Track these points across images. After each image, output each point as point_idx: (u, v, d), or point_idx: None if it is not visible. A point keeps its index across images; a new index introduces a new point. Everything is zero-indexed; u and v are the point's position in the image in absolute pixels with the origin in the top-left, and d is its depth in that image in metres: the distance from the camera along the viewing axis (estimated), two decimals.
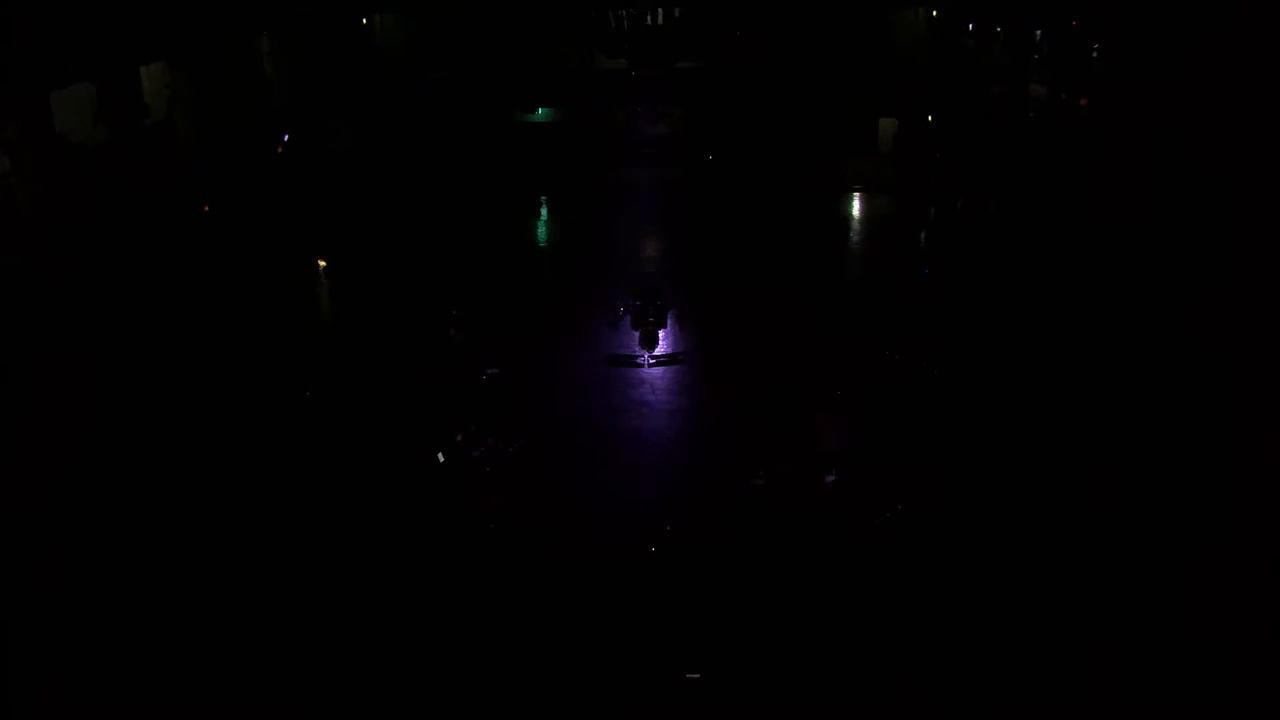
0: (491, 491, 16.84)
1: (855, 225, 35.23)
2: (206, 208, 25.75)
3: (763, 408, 20.14)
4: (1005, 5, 31.51)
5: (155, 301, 24.05)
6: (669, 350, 22.96)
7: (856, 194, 37.20)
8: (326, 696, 12.77)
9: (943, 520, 16.04)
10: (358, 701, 12.71)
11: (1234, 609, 13.82)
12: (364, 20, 41.46)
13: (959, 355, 22.04)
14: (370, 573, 15.13)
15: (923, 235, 32.61)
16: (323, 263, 28.99)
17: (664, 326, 23.17)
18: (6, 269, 22.09)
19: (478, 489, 16.90)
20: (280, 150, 34.12)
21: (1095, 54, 25.52)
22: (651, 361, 22.44)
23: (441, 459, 17.22)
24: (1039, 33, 31.49)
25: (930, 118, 39.59)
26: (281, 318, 25.45)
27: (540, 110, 42.21)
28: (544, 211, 36.17)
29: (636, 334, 22.75)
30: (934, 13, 39.85)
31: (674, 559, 15.33)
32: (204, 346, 23.06)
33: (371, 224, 33.00)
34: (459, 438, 17.15)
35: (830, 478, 17.07)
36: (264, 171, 33.52)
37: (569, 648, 13.56)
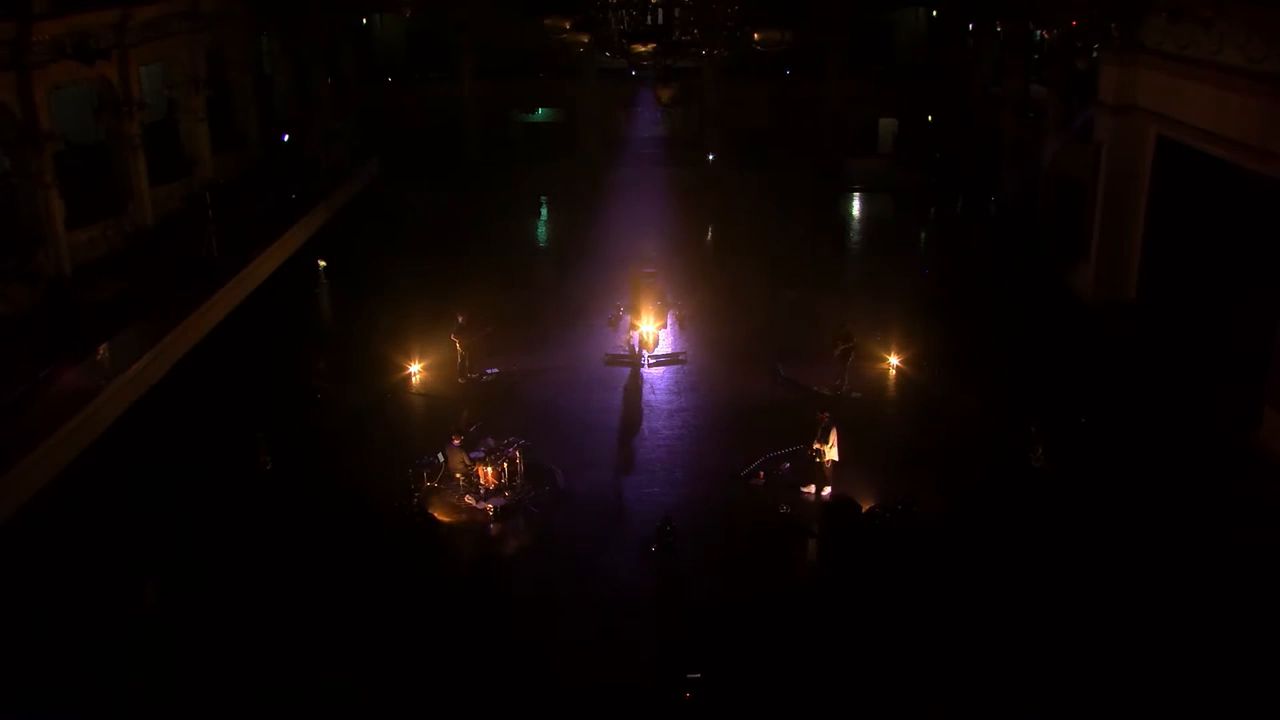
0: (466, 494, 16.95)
1: (855, 224, 35.29)
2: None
3: (764, 406, 20.18)
4: (1005, 5, 31.44)
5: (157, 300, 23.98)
6: (669, 350, 22.94)
7: (856, 193, 37.25)
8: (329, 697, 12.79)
9: (939, 521, 16.05)
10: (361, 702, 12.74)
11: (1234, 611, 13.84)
12: (364, 20, 41.42)
13: (958, 355, 22.07)
14: (368, 573, 15.17)
15: (923, 235, 32.63)
16: (322, 263, 28.98)
17: (664, 326, 23.15)
18: (6, 271, 22.09)
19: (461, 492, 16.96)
20: (278, 149, 34.08)
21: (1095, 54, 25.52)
22: (651, 361, 22.42)
23: (441, 459, 17.21)
24: (1039, 33, 31.41)
25: (930, 118, 39.59)
26: (284, 316, 25.51)
27: (540, 110, 42.18)
28: (544, 211, 36.17)
29: (635, 334, 22.72)
30: (934, 13, 39.83)
31: (673, 557, 15.33)
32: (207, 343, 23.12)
33: (372, 224, 33.03)
34: (456, 441, 17.11)
35: (807, 489, 17.08)
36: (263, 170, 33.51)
37: (569, 645, 13.57)
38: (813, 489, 16.96)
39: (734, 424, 19.64)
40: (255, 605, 14.32)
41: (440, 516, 16.65)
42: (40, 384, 19.01)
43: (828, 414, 17.10)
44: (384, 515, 16.29)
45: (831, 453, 16.85)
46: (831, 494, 16.79)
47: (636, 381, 21.75)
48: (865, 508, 16.04)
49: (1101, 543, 15.36)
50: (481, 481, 16.97)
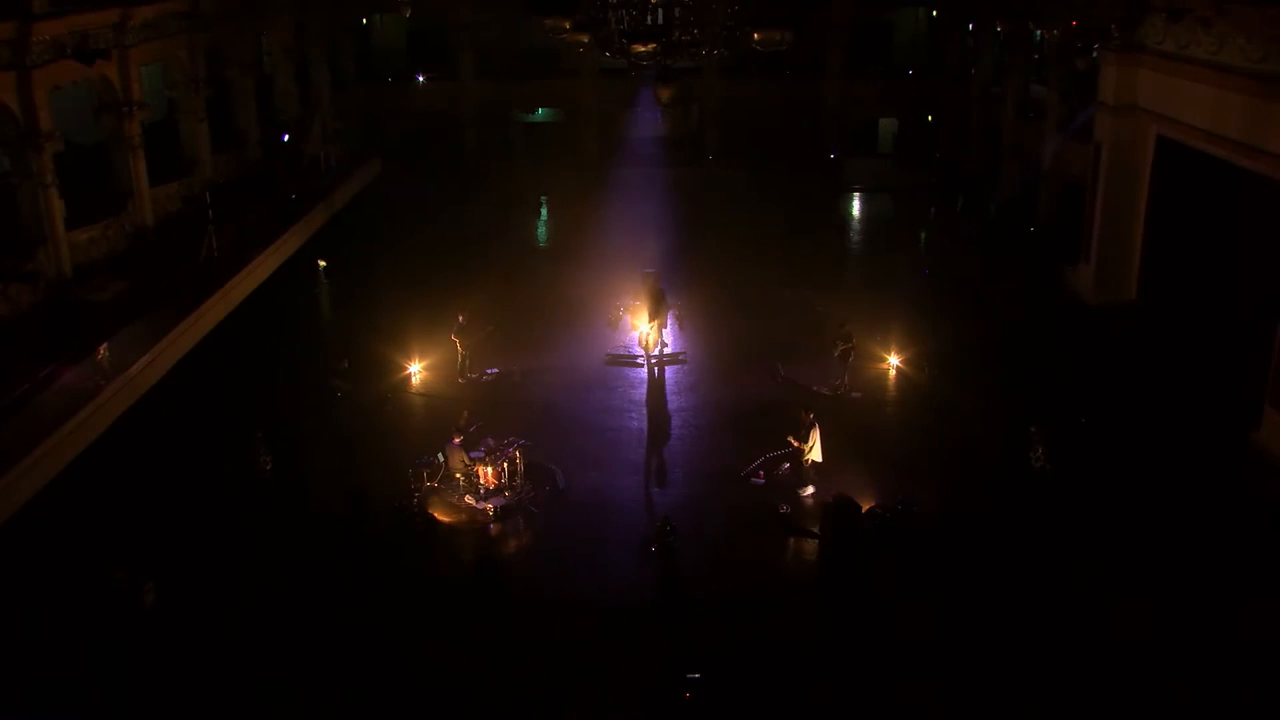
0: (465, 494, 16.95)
1: (855, 224, 35.29)
2: None
3: (764, 406, 20.17)
4: (1005, 5, 31.44)
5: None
6: (669, 350, 22.93)
7: (856, 193, 37.23)
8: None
9: (939, 521, 16.05)
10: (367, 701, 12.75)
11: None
12: (364, 20, 41.42)
13: (958, 355, 22.07)
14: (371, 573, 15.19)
15: (923, 235, 32.61)
16: (322, 263, 28.97)
17: (665, 326, 23.13)
18: (6, 271, 22.08)
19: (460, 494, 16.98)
20: (278, 149, 34.05)
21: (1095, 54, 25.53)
22: (653, 361, 22.40)
23: (441, 459, 17.22)
24: (1039, 33, 31.40)
25: (930, 118, 39.56)
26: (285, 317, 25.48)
27: (540, 110, 42.18)
28: (544, 211, 36.16)
29: (636, 334, 22.73)
30: (934, 13, 39.81)
31: (673, 557, 15.33)
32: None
33: (372, 224, 32.99)
34: (456, 440, 17.12)
35: (807, 490, 17.07)
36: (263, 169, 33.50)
37: (568, 645, 13.57)
38: (809, 490, 16.97)
39: (734, 424, 19.64)
40: (256, 605, 14.33)
41: (440, 516, 16.66)
42: (40, 384, 19.00)
43: (811, 413, 17.10)
44: (384, 515, 16.31)
45: (813, 453, 16.84)
46: (833, 494, 16.76)
47: (637, 381, 21.76)
48: (865, 508, 16.04)
49: (1102, 543, 15.37)
50: (481, 481, 16.98)
